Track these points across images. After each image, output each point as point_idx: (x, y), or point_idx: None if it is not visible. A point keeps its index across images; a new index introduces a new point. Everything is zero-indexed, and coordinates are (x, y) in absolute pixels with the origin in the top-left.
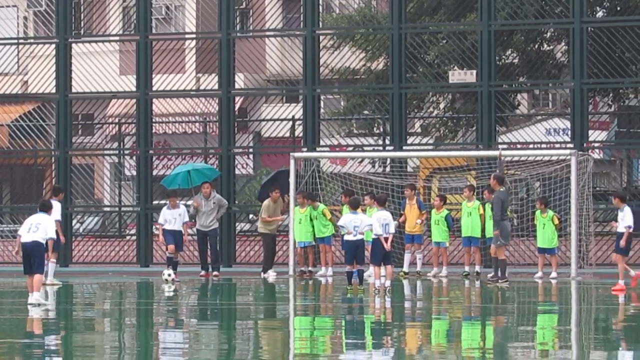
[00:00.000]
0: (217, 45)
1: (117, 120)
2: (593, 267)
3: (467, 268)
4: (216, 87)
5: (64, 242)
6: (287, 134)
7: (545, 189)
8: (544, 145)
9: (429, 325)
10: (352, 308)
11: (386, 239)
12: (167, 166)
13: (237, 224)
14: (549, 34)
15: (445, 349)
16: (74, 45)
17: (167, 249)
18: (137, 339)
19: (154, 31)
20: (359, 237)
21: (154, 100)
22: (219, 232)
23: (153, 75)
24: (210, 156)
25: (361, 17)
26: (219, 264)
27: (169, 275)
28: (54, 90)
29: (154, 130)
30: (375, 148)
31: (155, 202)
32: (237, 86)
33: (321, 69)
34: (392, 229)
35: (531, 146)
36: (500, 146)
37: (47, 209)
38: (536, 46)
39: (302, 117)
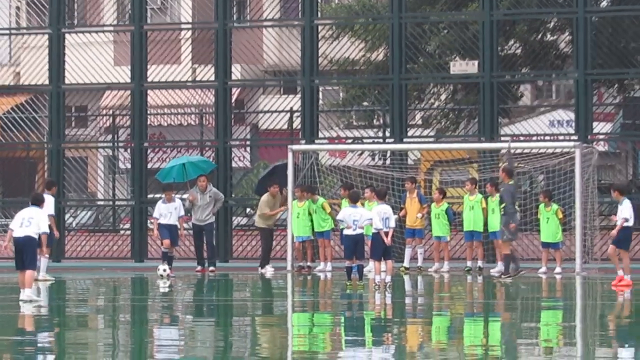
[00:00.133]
0: (213, 35)
1: (111, 112)
2: (598, 262)
3: (469, 263)
4: (212, 78)
5: (58, 237)
6: (285, 126)
7: (549, 182)
8: (547, 138)
9: (430, 322)
10: (351, 304)
11: (386, 234)
12: (162, 159)
13: (233, 218)
14: (552, 23)
15: (447, 346)
16: (67, 35)
17: (162, 244)
18: (132, 336)
19: (149, 21)
20: (359, 231)
21: (149, 91)
22: (215, 227)
23: (148, 67)
24: (207, 149)
25: (360, 6)
26: (215, 259)
27: (164, 270)
28: (46, 82)
29: (148, 123)
30: (375, 140)
31: (150, 196)
32: (233, 77)
33: (320, 59)
34: (392, 223)
35: (534, 138)
36: (509, 138)
37: (39, 202)
38: (539, 36)
39: (300, 109)
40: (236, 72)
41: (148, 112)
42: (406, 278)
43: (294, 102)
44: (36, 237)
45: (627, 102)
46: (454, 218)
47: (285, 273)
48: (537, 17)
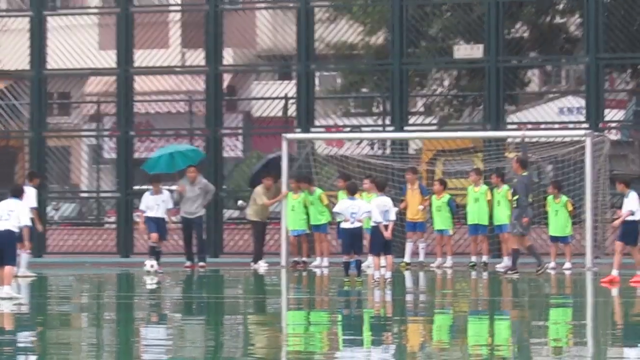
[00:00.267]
0: (203, 18)
1: (95, 99)
2: (610, 257)
3: (473, 258)
4: (203, 63)
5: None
6: (279, 114)
7: (558, 173)
8: (556, 126)
9: (432, 321)
10: (349, 302)
11: (386, 227)
12: (149, 148)
13: (224, 210)
14: (561, 5)
15: (450, 346)
16: (49, 18)
17: (149, 238)
18: (117, 336)
19: (135, 3)
20: (357, 224)
21: (136, 77)
22: (205, 220)
23: (134, 51)
24: (196, 138)
25: None
26: (205, 254)
27: (152, 266)
28: (27, 67)
29: (135, 110)
30: (375, 129)
31: (136, 188)
32: (225, 62)
33: (316, 43)
34: (392, 216)
35: (543, 126)
36: (523, 127)
37: (19, 194)
38: (548, 18)
39: (295, 96)
40: (228, 56)
41: (134, 99)
42: (407, 274)
43: (289, 88)
44: (16, 230)
45: None
46: (457, 210)
47: (279, 269)
48: None
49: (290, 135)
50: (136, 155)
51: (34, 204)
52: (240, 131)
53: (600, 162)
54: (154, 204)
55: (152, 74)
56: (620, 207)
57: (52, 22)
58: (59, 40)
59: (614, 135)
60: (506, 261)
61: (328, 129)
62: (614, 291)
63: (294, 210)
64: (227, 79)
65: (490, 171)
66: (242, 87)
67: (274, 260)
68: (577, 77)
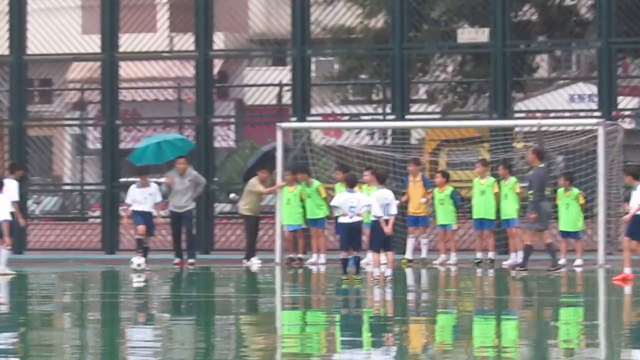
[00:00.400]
0: (193, 0)
1: (79, 86)
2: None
3: (479, 255)
4: (192, 48)
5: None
6: (274, 102)
7: (568, 164)
8: (566, 114)
9: (435, 321)
10: (347, 301)
11: (387, 222)
12: (136, 138)
13: (216, 204)
14: None
15: (453, 347)
16: (29, 0)
17: (135, 231)
18: (102, 337)
19: None
20: (356, 219)
21: (121, 63)
22: (195, 214)
23: (120, 35)
24: (186, 127)
25: None
26: (195, 250)
27: (139, 265)
28: (6, 52)
29: (121, 98)
30: (374, 117)
31: (122, 180)
32: (216, 47)
33: (312, 27)
34: (393, 210)
35: (552, 115)
36: (539, 115)
37: None
38: (557, 1)
39: (290, 83)
40: (219, 41)
41: (120, 86)
42: (408, 272)
43: (284, 74)
44: None
45: None
46: (461, 204)
47: (274, 266)
48: None
49: (285, 125)
50: (122, 145)
51: (16, 198)
52: (232, 120)
53: (613, 152)
54: (140, 197)
55: (139, 60)
56: (628, 200)
57: (33, 5)
58: (39, 24)
59: (627, 124)
60: (513, 257)
61: (325, 117)
62: (627, 289)
63: (289, 204)
64: (218, 64)
65: (497, 162)
66: (234, 73)
67: (267, 257)
68: (588, 62)
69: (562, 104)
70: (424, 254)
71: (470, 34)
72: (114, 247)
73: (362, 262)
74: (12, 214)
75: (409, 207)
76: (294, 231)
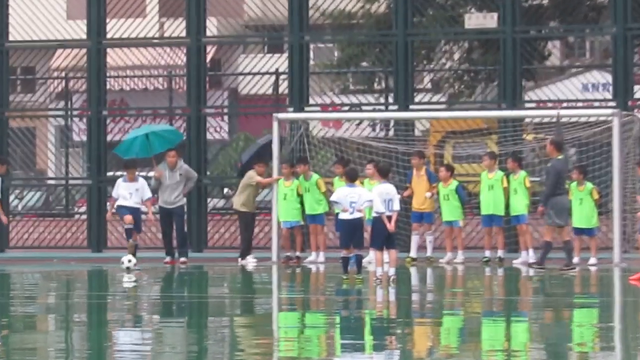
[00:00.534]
0: None
1: (63, 74)
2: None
3: (487, 253)
4: (184, 34)
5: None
6: (270, 91)
7: (582, 157)
8: (580, 104)
9: (440, 323)
10: (348, 302)
11: (389, 218)
12: (124, 130)
13: (208, 200)
14: None
15: (460, 351)
16: None
17: (122, 221)
18: (88, 340)
19: None
20: (357, 215)
21: (109, 50)
22: (187, 210)
23: (107, 21)
24: (177, 117)
25: None
26: (186, 248)
27: (129, 261)
28: None
29: (108, 87)
30: (376, 108)
31: (110, 174)
32: (208, 33)
33: (310, 12)
34: (396, 206)
35: (564, 105)
36: (558, 105)
37: None
38: None
39: (287, 71)
40: (212, 27)
41: (107, 74)
42: (413, 271)
43: (280, 62)
44: None
45: None
46: (468, 199)
47: (270, 265)
48: None
49: (281, 115)
50: (109, 137)
51: None
52: (225, 110)
53: (629, 144)
54: (125, 192)
55: (127, 47)
56: None
57: None
58: (22, 9)
59: None
60: (524, 256)
61: (324, 108)
62: None
63: (286, 200)
64: (210, 51)
65: (505, 155)
66: (227, 61)
67: (263, 255)
68: (603, 49)
69: (575, 94)
70: (429, 252)
71: (478, 19)
72: (101, 245)
73: (364, 260)
74: None
75: (413, 202)
76: (292, 228)
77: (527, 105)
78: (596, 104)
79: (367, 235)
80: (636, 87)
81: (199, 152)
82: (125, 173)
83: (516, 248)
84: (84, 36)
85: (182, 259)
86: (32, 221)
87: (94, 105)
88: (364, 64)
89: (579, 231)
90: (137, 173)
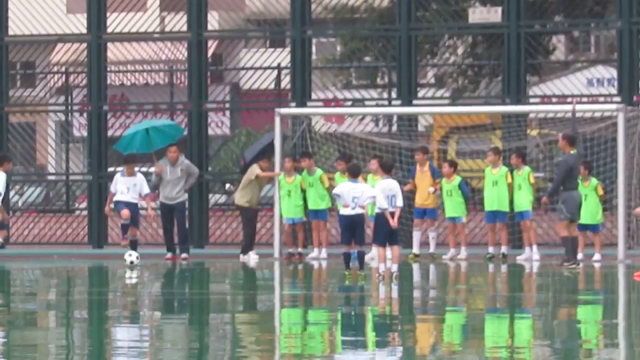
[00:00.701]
0: None
1: (63, 69)
2: None
3: (491, 249)
4: (185, 28)
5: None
6: (272, 86)
7: (586, 153)
8: (584, 99)
9: (443, 320)
10: (351, 298)
11: (392, 214)
12: (124, 125)
13: (210, 195)
14: None
15: (463, 348)
16: None
17: (120, 215)
18: (89, 337)
19: None
20: (358, 211)
21: (109, 44)
22: (188, 206)
23: (107, 15)
24: (178, 113)
25: None
26: (188, 244)
27: (130, 256)
28: None
29: (108, 82)
30: (379, 103)
31: (110, 170)
32: (210, 27)
33: (313, 6)
34: (399, 202)
35: (569, 100)
36: (574, 100)
37: None
38: None
39: (289, 66)
40: (213, 21)
41: (108, 69)
42: (416, 267)
43: (282, 57)
44: None
45: None
46: (471, 195)
47: (272, 261)
48: None
49: (284, 111)
50: (110, 132)
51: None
52: (227, 106)
53: (634, 140)
54: (123, 187)
55: (128, 41)
56: None
57: None
58: (21, 3)
59: None
60: (527, 252)
61: (326, 103)
62: None
63: (290, 196)
64: (212, 46)
65: (510, 151)
66: (229, 55)
67: (265, 251)
68: (608, 44)
69: (580, 89)
70: (432, 249)
71: (482, 14)
72: (101, 241)
73: (367, 256)
74: None
75: (416, 198)
76: (294, 224)
77: (532, 100)
78: (601, 99)
79: (370, 231)
80: None
81: (201, 148)
82: (124, 168)
83: (520, 244)
84: (84, 30)
85: (184, 255)
86: (32, 217)
87: (95, 100)
88: (367, 58)
89: (584, 227)
90: (136, 168)
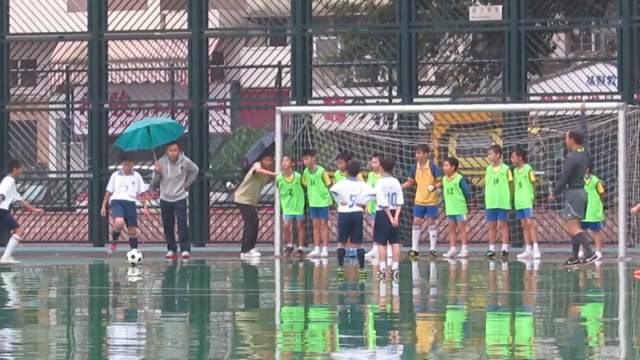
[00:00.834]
0: None
1: (64, 67)
2: None
3: (492, 247)
4: (185, 26)
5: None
6: (272, 84)
7: (587, 151)
8: (585, 97)
9: (444, 317)
10: (344, 296)
11: (393, 212)
12: (125, 123)
13: (211, 193)
14: None
15: (464, 345)
16: None
17: (113, 222)
18: (89, 335)
19: None
20: (356, 209)
21: (110, 42)
22: (189, 204)
23: (108, 13)
24: (179, 111)
25: None
26: (188, 242)
27: (133, 255)
28: None
29: (109, 80)
30: (380, 101)
31: (111, 167)
32: (210, 26)
33: (313, 4)
34: (400, 200)
35: (570, 98)
36: (584, 97)
37: None
38: None
39: (290, 64)
40: (214, 19)
41: (108, 67)
42: (416, 265)
43: (283, 55)
44: None
45: None
46: (473, 193)
47: (273, 259)
48: None
49: (284, 109)
50: (111, 130)
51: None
52: (228, 103)
53: (634, 138)
54: (121, 185)
55: (128, 39)
56: None
57: None
58: (22, 1)
59: None
60: (528, 250)
61: (327, 101)
62: None
63: (291, 194)
64: (212, 44)
65: (510, 149)
66: (229, 53)
67: (266, 249)
68: (608, 42)
69: (581, 87)
70: (432, 247)
71: (482, 12)
72: (102, 239)
73: (368, 254)
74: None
75: (416, 196)
76: (293, 221)
77: (532, 98)
78: (601, 97)
79: (370, 229)
80: None
81: (201, 146)
82: (122, 165)
83: (521, 242)
84: (85, 29)
85: (185, 253)
86: (33, 215)
87: (95, 99)
88: (368, 56)
89: (584, 225)
90: (133, 166)
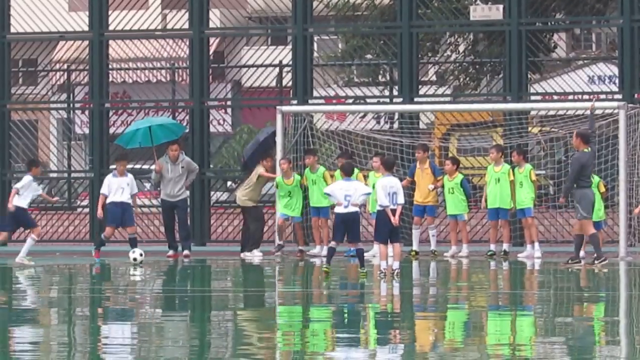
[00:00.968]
0: None
1: (65, 66)
2: None
3: (492, 246)
4: (186, 26)
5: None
6: (273, 84)
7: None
8: (586, 97)
9: (445, 317)
10: (352, 295)
11: (393, 212)
12: (126, 122)
13: (212, 193)
14: None
15: (464, 345)
16: None
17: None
18: (90, 334)
19: None
20: (352, 209)
21: (111, 42)
22: (190, 203)
23: (109, 12)
24: (180, 110)
25: None
26: (189, 241)
27: (133, 254)
28: None
29: (110, 79)
30: (381, 100)
31: (112, 167)
32: (211, 25)
33: (314, 3)
34: (400, 199)
35: (570, 97)
36: (594, 97)
37: None
38: None
39: (291, 63)
40: (215, 18)
41: (109, 66)
42: (417, 264)
43: (284, 54)
44: None
45: None
46: (474, 193)
47: (274, 258)
48: None
49: (285, 108)
50: (111, 130)
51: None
52: (228, 103)
53: (635, 137)
54: (116, 186)
55: (129, 39)
56: None
57: None
58: (23, 1)
59: None
60: (529, 249)
61: (328, 100)
62: None
63: (290, 196)
64: (213, 43)
65: (511, 148)
66: (230, 53)
67: (266, 249)
68: (609, 41)
69: (581, 86)
70: (433, 246)
71: (483, 11)
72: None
73: (368, 254)
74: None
75: (416, 195)
76: (287, 220)
77: (533, 98)
78: (602, 96)
79: (371, 228)
80: None
81: (202, 145)
82: (116, 167)
83: (521, 242)
84: (86, 28)
85: (185, 252)
86: (35, 214)
87: (96, 98)
88: (368, 56)
89: None
90: (137, 166)
